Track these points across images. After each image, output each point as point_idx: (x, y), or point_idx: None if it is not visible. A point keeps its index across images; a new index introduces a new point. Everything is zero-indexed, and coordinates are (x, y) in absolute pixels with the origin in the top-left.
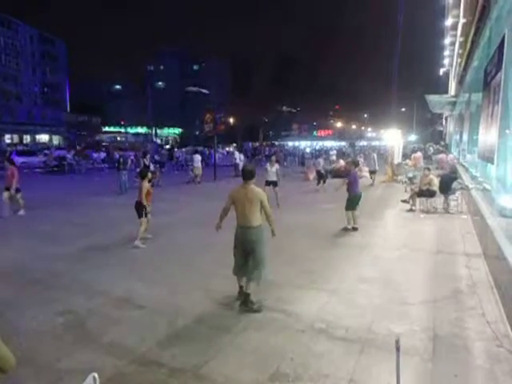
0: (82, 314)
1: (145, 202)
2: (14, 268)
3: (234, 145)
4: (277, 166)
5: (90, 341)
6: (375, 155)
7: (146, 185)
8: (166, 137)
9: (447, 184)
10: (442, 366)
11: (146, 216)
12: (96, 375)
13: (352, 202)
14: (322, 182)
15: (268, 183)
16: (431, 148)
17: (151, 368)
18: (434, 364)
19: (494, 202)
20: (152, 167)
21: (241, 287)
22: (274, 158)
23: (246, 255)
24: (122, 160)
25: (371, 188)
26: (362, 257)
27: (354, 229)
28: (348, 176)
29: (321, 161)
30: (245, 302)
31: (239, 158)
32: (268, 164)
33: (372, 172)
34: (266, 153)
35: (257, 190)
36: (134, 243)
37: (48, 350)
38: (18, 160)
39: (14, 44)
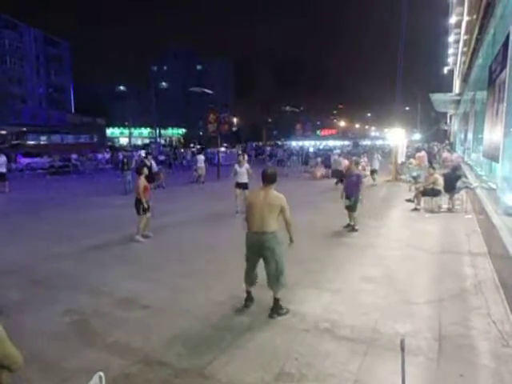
0: (86, 313)
1: (142, 198)
2: (19, 268)
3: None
4: (247, 165)
5: (95, 341)
6: (379, 155)
7: (142, 180)
8: (170, 137)
9: (451, 183)
10: (448, 365)
11: (144, 213)
12: (102, 374)
13: (357, 204)
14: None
15: (239, 185)
16: (435, 147)
17: (156, 368)
18: (440, 364)
19: (499, 201)
20: (155, 168)
21: (248, 293)
22: (241, 157)
23: (258, 261)
24: (125, 160)
25: (375, 188)
26: (366, 256)
27: (355, 229)
28: (356, 177)
29: (341, 159)
30: (275, 309)
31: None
32: (236, 164)
33: (373, 171)
34: (268, 153)
35: (277, 194)
36: (135, 237)
37: (53, 350)
38: (24, 161)
39: (18, 46)
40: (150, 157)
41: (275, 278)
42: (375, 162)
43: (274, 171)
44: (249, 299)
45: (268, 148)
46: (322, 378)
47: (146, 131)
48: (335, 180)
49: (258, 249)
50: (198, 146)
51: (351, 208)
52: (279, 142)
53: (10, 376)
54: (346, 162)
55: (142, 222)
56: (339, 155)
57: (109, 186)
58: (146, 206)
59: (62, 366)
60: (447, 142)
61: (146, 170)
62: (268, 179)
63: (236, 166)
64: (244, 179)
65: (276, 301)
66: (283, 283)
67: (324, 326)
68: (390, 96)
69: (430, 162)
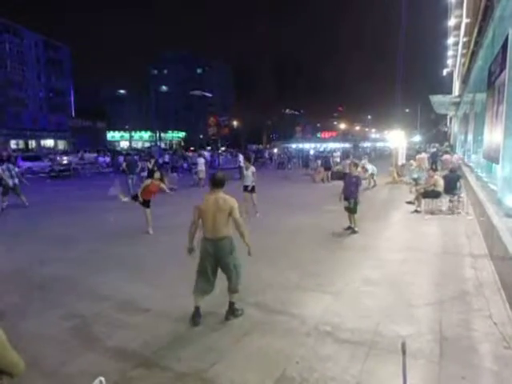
0: (87, 317)
1: (139, 195)
2: (19, 272)
3: (223, 148)
4: (252, 168)
5: (95, 345)
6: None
7: (146, 182)
8: (170, 140)
9: (452, 184)
10: (450, 368)
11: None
12: (103, 379)
13: (357, 206)
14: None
15: (246, 188)
16: (432, 149)
17: (157, 372)
18: (441, 366)
19: (499, 203)
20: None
21: (197, 308)
22: (247, 161)
23: (216, 269)
24: (125, 164)
25: (374, 190)
26: (366, 259)
27: (355, 231)
28: (355, 179)
29: (348, 162)
30: (232, 311)
31: (243, 161)
32: (243, 167)
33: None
34: (266, 155)
35: (227, 197)
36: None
37: (54, 354)
38: (24, 165)
39: (19, 50)
40: (152, 160)
41: (236, 284)
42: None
43: (222, 175)
44: (197, 315)
45: (266, 151)
46: (323, 382)
47: (146, 135)
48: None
49: (216, 256)
50: (207, 152)
51: (351, 210)
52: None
53: (10, 382)
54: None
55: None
56: (343, 158)
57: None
58: (139, 200)
59: (63, 371)
60: (447, 143)
61: (157, 175)
62: (217, 183)
63: (243, 170)
64: (251, 182)
65: (232, 304)
66: (237, 290)
67: (325, 329)
68: (390, 98)
69: (435, 164)
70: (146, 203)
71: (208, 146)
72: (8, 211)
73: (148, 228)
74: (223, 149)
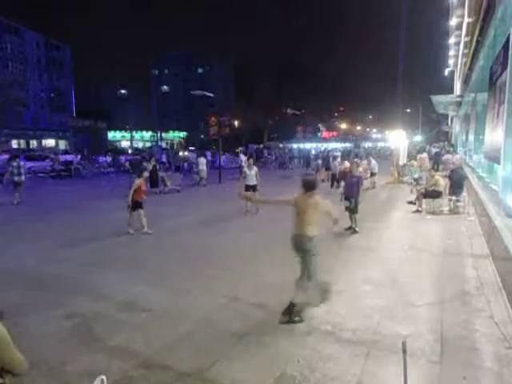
0: (88, 317)
1: (128, 197)
2: (20, 271)
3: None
4: (255, 168)
5: (96, 344)
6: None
7: (137, 182)
8: (171, 140)
9: (458, 183)
10: (450, 368)
11: (129, 210)
12: (104, 378)
13: (358, 206)
14: (336, 184)
15: (248, 188)
16: (432, 149)
17: (158, 371)
18: (442, 366)
19: (501, 203)
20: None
21: (293, 304)
22: (251, 160)
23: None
24: (128, 164)
25: (375, 190)
26: (368, 258)
27: (356, 231)
28: (356, 179)
29: (336, 164)
30: (288, 312)
31: (244, 160)
32: (246, 167)
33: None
34: (265, 155)
35: (318, 197)
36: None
37: (55, 353)
38: (27, 165)
39: (20, 51)
40: (152, 159)
41: (302, 280)
42: (373, 166)
43: (311, 180)
44: (292, 311)
45: (265, 151)
46: (323, 381)
47: (147, 134)
48: (330, 183)
49: (296, 250)
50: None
51: (352, 210)
52: (280, 145)
53: (13, 380)
54: (347, 164)
55: (129, 218)
56: (334, 158)
57: (111, 190)
58: (129, 203)
59: (64, 370)
60: (446, 143)
61: (145, 174)
62: (308, 187)
63: (246, 169)
64: (253, 181)
65: (291, 305)
66: (305, 288)
67: (326, 329)
68: (391, 98)
69: (437, 164)
70: (138, 204)
71: (192, 146)
72: (9, 210)
73: (145, 229)
74: (241, 149)
